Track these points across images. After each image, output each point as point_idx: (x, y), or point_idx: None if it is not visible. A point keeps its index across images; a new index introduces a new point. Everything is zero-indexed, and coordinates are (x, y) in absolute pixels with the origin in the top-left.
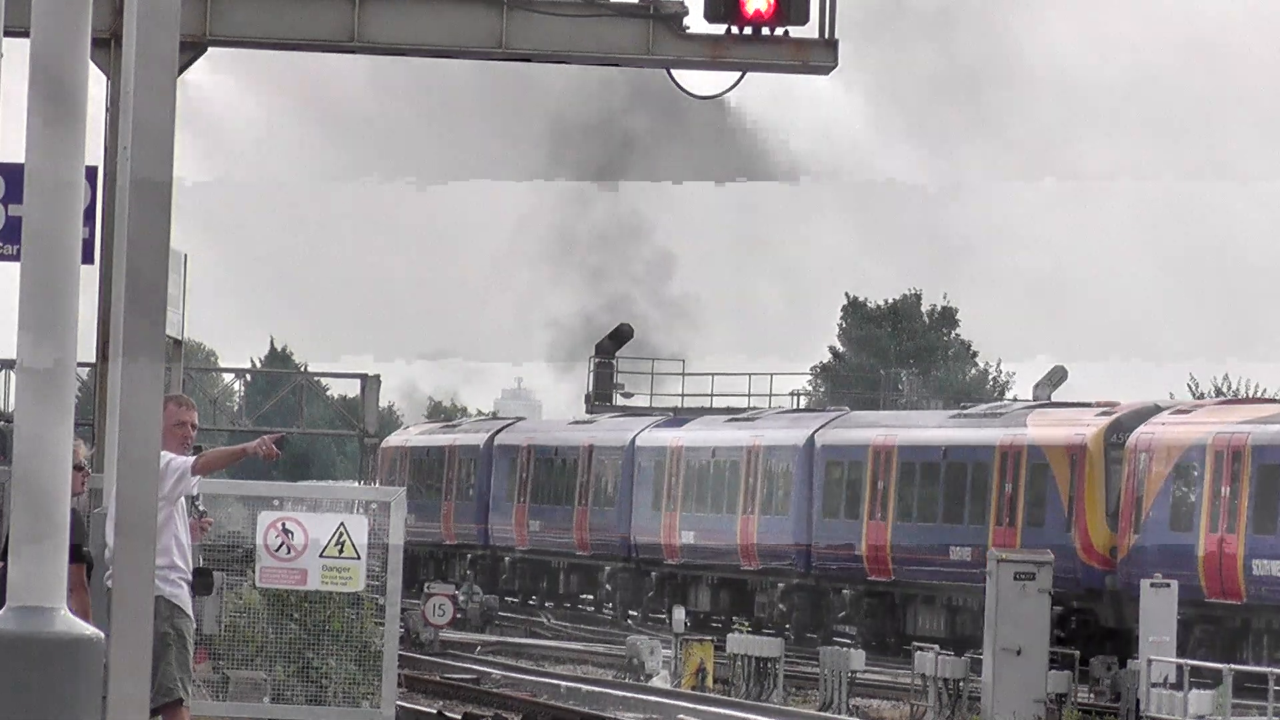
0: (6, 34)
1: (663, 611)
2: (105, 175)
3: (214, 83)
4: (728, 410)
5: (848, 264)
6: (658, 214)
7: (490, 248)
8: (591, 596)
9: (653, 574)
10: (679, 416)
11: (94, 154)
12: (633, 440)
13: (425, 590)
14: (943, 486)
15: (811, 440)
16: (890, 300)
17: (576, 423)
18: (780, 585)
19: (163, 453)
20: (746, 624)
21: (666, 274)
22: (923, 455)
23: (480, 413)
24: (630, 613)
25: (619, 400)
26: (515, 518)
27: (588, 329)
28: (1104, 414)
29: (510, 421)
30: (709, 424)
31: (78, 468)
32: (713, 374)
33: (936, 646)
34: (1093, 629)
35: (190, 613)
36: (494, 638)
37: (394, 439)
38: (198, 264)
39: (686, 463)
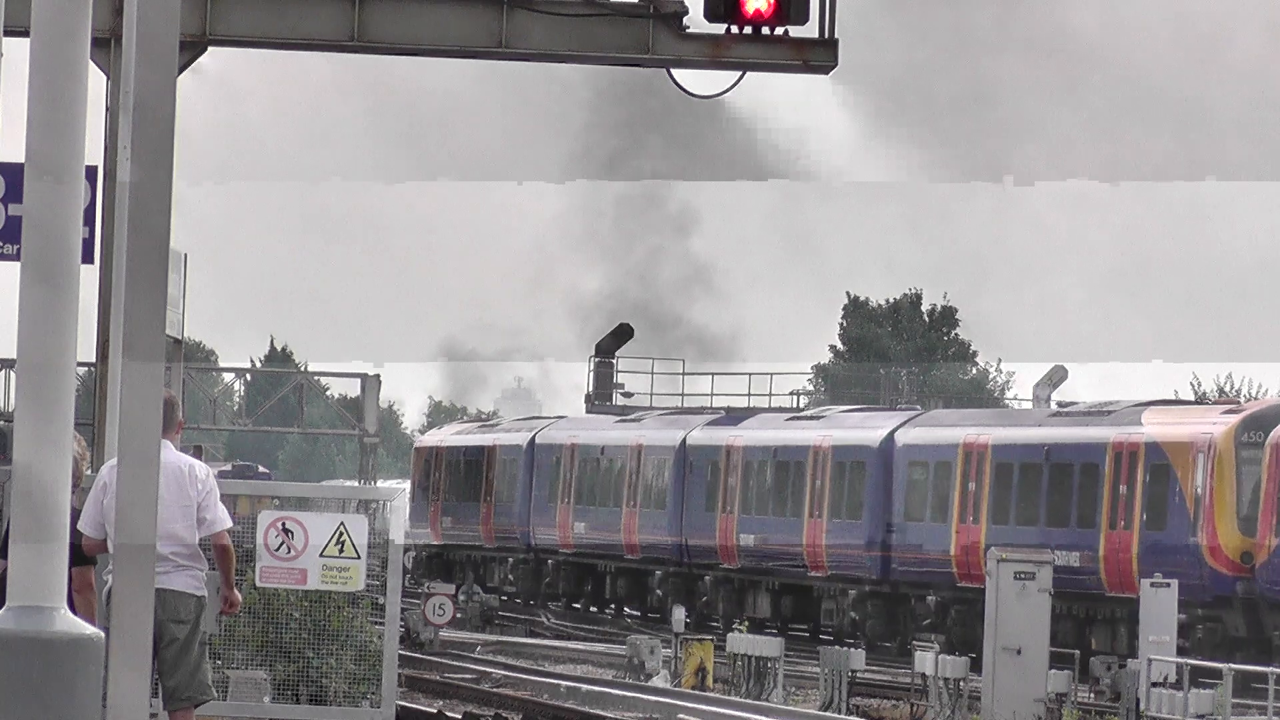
0: (6, 34)
1: (716, 618)
2: (105, 175)
3: (214, 82)
4: (728, 410)
5: (850, 263)
6: (673, 188)
7: (494, 244)
8: (639, 610)
9: (707, 578)
10: (732, 414)
11: (94, 154)
12: (684, 440)
13: (425, 590)
14: (1045, 488)
15: (890, 439)
16: (890, 300)
17: (623, 421)
18: (852, 592)
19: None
20: (745, 624)
21: (687, 233)
22: (1022, 455)
23: (481, 413)
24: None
25: (619, 400)
26: (559, 520)
27: (615, 304)
28: (1231, 411)
29: (551, 420)
30: (767, 422)
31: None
32: (712, 374)
33: (936, 646)
34: (1220, 638)
35: None
36: (494, 637)
37: (428, 439)
38: (198, 264)
39: (745, 463)
